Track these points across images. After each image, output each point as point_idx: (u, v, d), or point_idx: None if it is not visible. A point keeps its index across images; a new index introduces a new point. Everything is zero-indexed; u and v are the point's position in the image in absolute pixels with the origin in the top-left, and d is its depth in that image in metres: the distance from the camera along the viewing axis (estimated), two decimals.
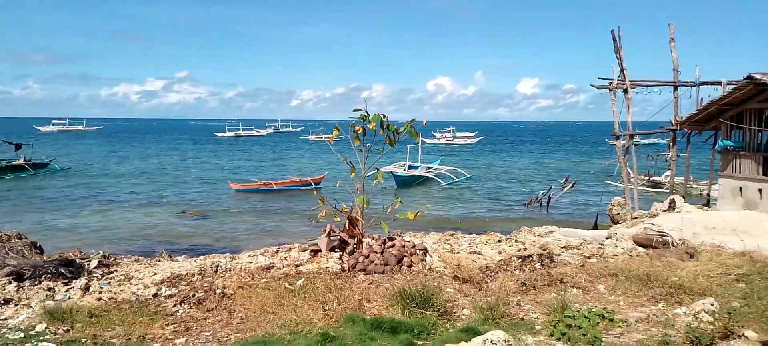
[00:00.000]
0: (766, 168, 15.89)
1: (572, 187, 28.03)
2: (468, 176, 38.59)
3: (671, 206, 17.03)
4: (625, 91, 18.81)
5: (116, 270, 10.95)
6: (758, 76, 14.99)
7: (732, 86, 16.95)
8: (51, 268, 10.17)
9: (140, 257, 12.93)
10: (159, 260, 12.47)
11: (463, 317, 7.62)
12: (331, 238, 11.03)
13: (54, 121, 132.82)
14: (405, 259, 10.01)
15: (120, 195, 30.86)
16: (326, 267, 10.06)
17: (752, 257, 10.27)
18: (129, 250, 16.36)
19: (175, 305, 8.38)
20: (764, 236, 12.19)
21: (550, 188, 28.17)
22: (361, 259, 9.97)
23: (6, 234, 11.51)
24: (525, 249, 12.49)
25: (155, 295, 9.02)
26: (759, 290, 8.27)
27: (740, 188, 16.48)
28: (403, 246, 10.37)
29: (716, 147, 18.28)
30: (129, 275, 10.41)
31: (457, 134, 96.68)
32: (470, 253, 12.29)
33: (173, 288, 9.28)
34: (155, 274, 10.34)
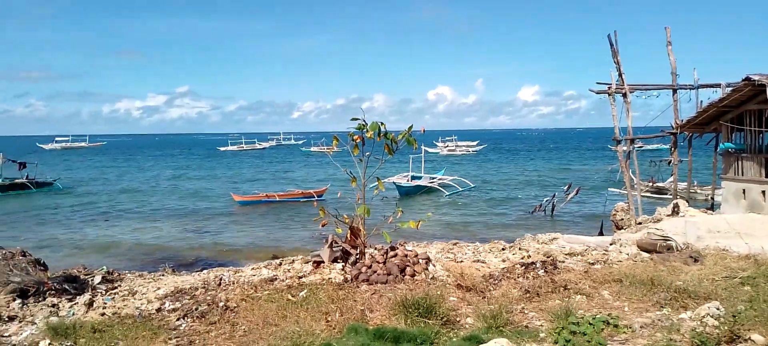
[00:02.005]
0: None
1: (576, 193, 27.97)
2: (472, 185, 38.47)
3: (675, 211, 16.99)
4: (624, 95, 18.82)
5: (120, 285, 10.98)
6: (756, 78, 15.00)
7: (731, 88, 16.95)
8: (55, 284, 10.20)
9: (144, 272, 12.96)
10: (162, 275, 12.50)
11: (467, 326, 7.59)
12: (334, 249, 11.04)
13: (57, 138, 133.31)
14: (408, 268, 9.99)
15: (124, 210, 30.94)
16: (329, 278, 10.06)
17: (757, 260, 10.21)
18: (133, 265, 16.37)
19: (178, 319, 8.38)
20: None
21: (554, 195, 28.11)
22: (363, 269, 9.96)
23: (10, 251, 11.55)
24: (529, 256, 12.45)
25: (159, 309, 9.02)
26: (764, 293, 8.21)
27: (743, 191, 16.43)
28: (406, 256, 10.36)
29: (718, 150, 18.25)
30: (133, 289, 10.42)
31: (459, 143, 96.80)
32: (474, 261, 12.26)
33: (176, 302, 9.27)
34: (159, 288, 10.35)
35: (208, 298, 9.18)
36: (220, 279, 10.61)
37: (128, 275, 12.24)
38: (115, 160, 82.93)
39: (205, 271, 12.46)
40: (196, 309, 8.67)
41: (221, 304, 8.71)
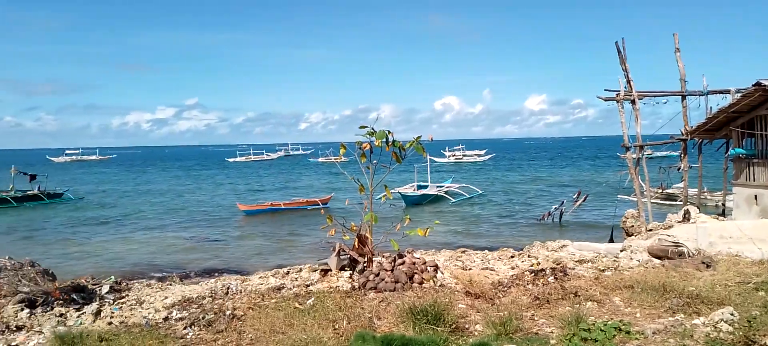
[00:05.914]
0: None
1: (585, 201, 27.77)
2: (480, 192, 38.36)
3: (686, 217, 16.80)
4: (633, 102, 18.69)
5: (127, 295, 10.96)
6: (767, 83, 14.86)
7: (740, 94, 16.80)
8: (63, 294, 10.19)
9: (152, 282, 12.96)
10: (170, 284, 12.49)
11: (476, 333, 7.50)
12: (341, 257, 10.99)
13: (67, 151, 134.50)
14: (416, 276, 9.91)
15: (133, 221, 31.05)
16: (336, 286, 10.00)
17: None
18: (141, 275, 16.38)
19: (185, 328, 8.34)
20: None
21: (563, 202, 27.93)
22: (371, 277, 9.89)
23: (19, 262, 11.59)
24: (538, 264, 12.33)
25: (166, 318, 8.99)
26: None
27: (755, 196, 16.24)
28: (414, 263, 10.28)
29: (728, 155, 18.07)
30: (140, 299, 10.40)
31: (467, 152, 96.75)
32: (482, 269, 12.16)
33: (183, 311, 9.24)
34: (166, 298, 10.33)
35: (216, 306, 9.14)
36: (228, 288, 10.58)
37: (136, 284, 12.23)
38: (125, 173, 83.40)
39: (212, 280, 12.45)
40: (203, 318, 8.62)
41: (228, 312, 8.67)
